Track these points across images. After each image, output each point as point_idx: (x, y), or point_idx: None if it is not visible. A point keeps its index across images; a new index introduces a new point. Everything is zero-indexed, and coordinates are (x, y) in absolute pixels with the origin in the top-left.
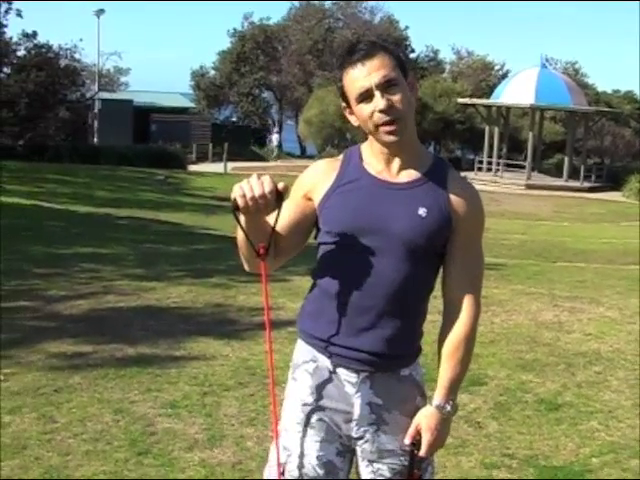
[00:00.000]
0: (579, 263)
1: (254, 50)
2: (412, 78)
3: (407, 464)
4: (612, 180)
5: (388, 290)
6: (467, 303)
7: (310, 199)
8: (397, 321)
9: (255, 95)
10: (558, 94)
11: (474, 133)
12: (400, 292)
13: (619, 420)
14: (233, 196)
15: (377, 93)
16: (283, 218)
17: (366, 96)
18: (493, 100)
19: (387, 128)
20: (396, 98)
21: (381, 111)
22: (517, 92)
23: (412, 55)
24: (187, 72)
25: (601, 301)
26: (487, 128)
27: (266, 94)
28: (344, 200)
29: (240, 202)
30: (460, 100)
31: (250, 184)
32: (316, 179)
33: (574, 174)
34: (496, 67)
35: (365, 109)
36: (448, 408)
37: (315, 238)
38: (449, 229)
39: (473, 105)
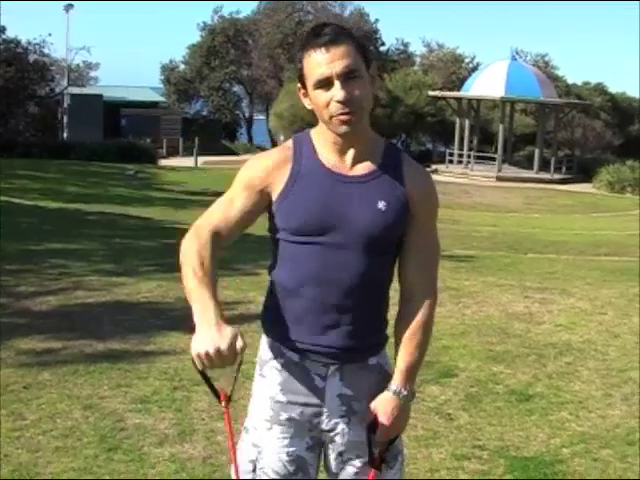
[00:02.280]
0: (550, 254)
1: (224, 44)
2: (374, 71)
3: (376, 452)
4: (583, 172)
5: (352, 286)
6: (424, 288)
7: (264, 192)
8: (363, 315)
9: (225, 89)
10: (528, 86)
11: (445, 126)
12: (364, 287)
13: (589, 410)
14: (195, 361)
15: (337, 83)
16: (236, 214)
17: (325, 83)
18: (464, 93)
19: (342, 117)
20: (356, 90)
21: (339, 102)
22: (487, 85)
23: (382, 48)
24: (157, 66)
25: (572, 292)
26: (458, 121)
27: (236, 88)
28: (301, 197)
29: (200, 367)
30: (431, 93)
31: (213, 360)
32: (271, 173)
33: (545, 166)
34: (466, 60)
35: (322, 96)
36: (404, 393)
37: (269, 231)
38: (408, 217)
39: (444, 98)
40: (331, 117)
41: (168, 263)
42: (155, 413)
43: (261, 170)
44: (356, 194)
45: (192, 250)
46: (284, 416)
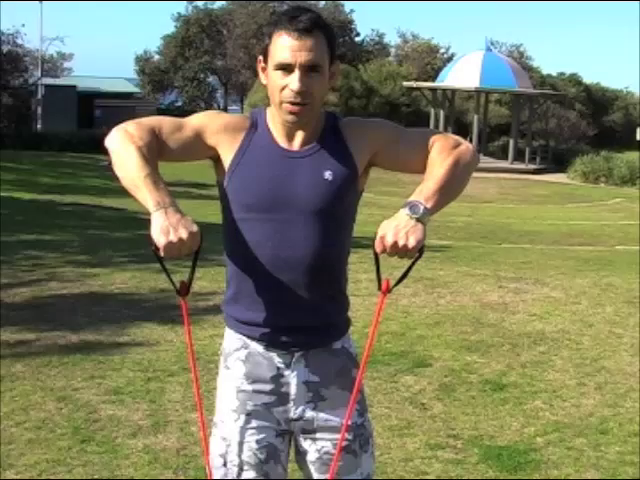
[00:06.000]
0: (524, 244)
1: (199, 34)
2: (335, 67)
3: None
4: (557, 162)
5: (306, 260)
6: (445, 144)
7: (209, 146)
8: (321, 289)
9: (200, 79)
10: (503, 77)
11: (420, 116)
12: (319, 260)
13: (563, 399)
14: (157, 245)
15: (297, 72)
16: (180, 139)
17: (285, 68)
18: (438, 83)
19: (291, 108)
20: (314, 85)
21: (292, 91)
22: (462, 75)
23: (357, 39)
24: (131, 57)
25: (546, 282)
26: (432, 111)
27: (211, 78)
28: (252, 171)
29: (163, 254)
30: (405, 83)
31: (176, 243)
32: (224, 133)
33: (519, 156)
34: (441, 50)
35: (279, 79)
36: (408, 209)
37: (222, 211)
38: (359, 177)
39: (418, 88)
40: (281, 102)
41: (142, 254)
42: (129, 404)
43: (217, 124)
44: (303, 168)
45: (134, 141)
46: (250, 405)
